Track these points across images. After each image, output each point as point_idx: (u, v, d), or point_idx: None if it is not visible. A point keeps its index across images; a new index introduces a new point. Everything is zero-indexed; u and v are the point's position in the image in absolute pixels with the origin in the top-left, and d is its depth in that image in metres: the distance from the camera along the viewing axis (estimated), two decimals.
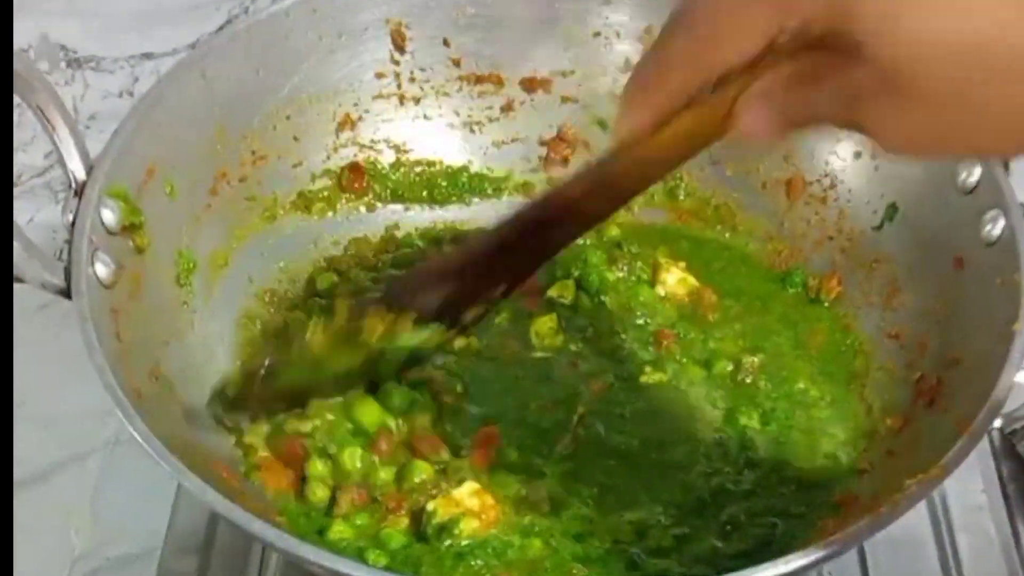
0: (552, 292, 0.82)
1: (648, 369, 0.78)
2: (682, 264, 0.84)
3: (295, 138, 0.84)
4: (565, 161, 0.90)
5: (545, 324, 0.80)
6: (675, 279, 0.83)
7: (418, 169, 0.89)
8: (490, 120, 0.89)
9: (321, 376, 0.70)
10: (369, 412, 0.72)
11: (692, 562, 0.68)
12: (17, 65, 0.65)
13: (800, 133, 0.51)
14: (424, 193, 0.89)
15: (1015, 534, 0.79)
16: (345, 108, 0.86)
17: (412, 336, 0.69)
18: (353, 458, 0.71)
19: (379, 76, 0.86)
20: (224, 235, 0.80)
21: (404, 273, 0.81)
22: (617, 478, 0.72)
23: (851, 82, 0.45)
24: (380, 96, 0.87)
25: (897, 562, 0.77)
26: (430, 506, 0.69)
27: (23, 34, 0.95)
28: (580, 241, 0.85)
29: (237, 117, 0.80)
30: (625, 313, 0.81)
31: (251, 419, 0.71)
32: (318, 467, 0.71)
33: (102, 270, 0.67)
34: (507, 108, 0.89)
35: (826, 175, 0.84)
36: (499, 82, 0.88)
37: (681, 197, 0.89)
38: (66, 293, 0.65)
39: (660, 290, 0.83)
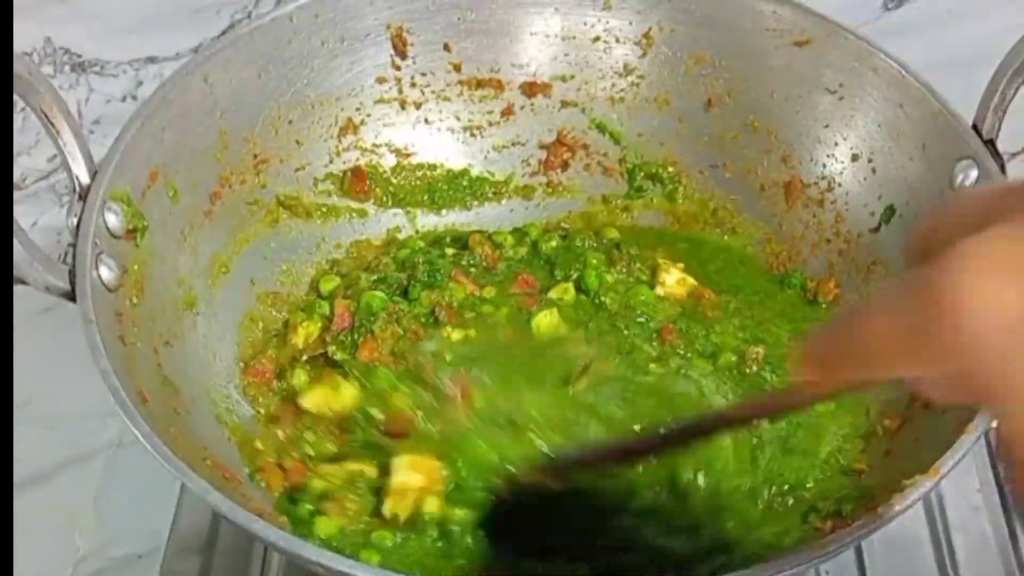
0: (552, 294, 0.83)
1: (652, 366, 0.79)
2: (680, 265, 0.85)
3: (297, 142, 0.85)
4: (565, 165, 0.90)
5: (545, 318, 0.81)
6: (674, 279, 0.84)
7: (419, 173, 0.89)
8: (490, 124, 0.90)
9: None
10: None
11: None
12: (21, 69, 0.65)
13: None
14: (425, 197, 0.90)
15: (1011, 534, 0.79)
16: (347, 112, 0.86)
17: None
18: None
19: (381, 81, 0.87)
20: (227, 238, 0.80)
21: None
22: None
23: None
24: (382, 100, 0.87)
25: (894, 562, 0.77)
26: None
27: (27, 38, 0.95)
28: (579, 243, 0.86)
29: (240, 121, 0.81)
30: (626, 311, 0.82)
31: None
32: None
33: (106, 273, 0.67)
34: (507, 112, 0.90)
35: (824, 178, 0.85)
36: (499, 87, 0.89)
37: (680, 200, 0.90)
38: (70, 296, 0.66)
39: (659, 290, 0.83)
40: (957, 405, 0.54)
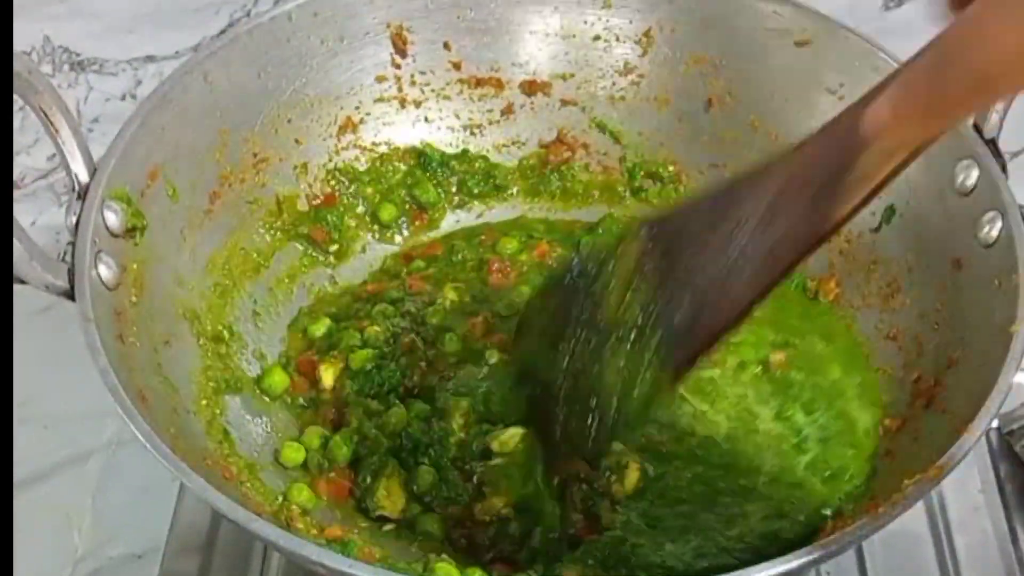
0: None
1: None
2: None
3: (297, 141, 0.85)
4: (565, 163, 0.90)
5: None
6: None
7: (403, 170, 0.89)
8: (490, 123, 0.90)
9: None
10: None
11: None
12: (20, 67, 0.65)
13: None
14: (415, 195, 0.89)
15: (1012, 533, 0.79)
16: (347, 111, 0.86)
17: None
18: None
19: (380, 79, 0.87)
20: (226, 237, 0.80)
21: None
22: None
23: None
24: (381, 99, 0.87)
25: (895, 561, 0.77)
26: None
27: (26, 37, 0.95)
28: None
29: (239, 120, 0.81)
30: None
31: None
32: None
33: (105, 272, 0.67)
34: (507, 111, 0.89)
35: None
36: (499, 85, 0.89)
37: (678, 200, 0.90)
38: (69, 295, 0.65)
39: None
40: None
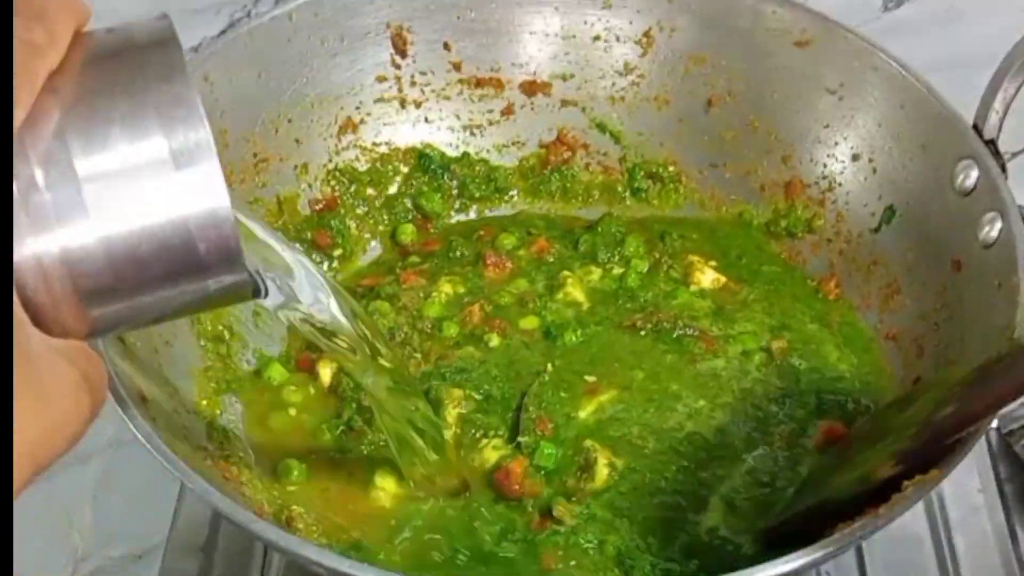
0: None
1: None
2: (713, 263, 0.84)
3: (297, 141, 0.85)
4: (565, 164, 0.90)
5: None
6: (709, 279, 0.83)
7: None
8: (490, 123, 0.90)
9: None
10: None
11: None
12: None
13: None
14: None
15: (1012, 534, 0.79)
16: (347, 111, 0.86)
17: None
18: None
19: (380, 80, 0.87)
20: None
21: None
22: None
23: None
24: (381, 99, 0.87)
25: (895, 561, 0.77)
26: None
27: None
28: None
29: (239, 120, 0.81)
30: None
31: None
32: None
33: None
34: (507, 111, 0.90)
35: (824, 177, 0.85)
36: (499, 86, 0.89)
37: (680, 200, 0.90)
38: None
39: (693, 288, 0.83)
40: None
